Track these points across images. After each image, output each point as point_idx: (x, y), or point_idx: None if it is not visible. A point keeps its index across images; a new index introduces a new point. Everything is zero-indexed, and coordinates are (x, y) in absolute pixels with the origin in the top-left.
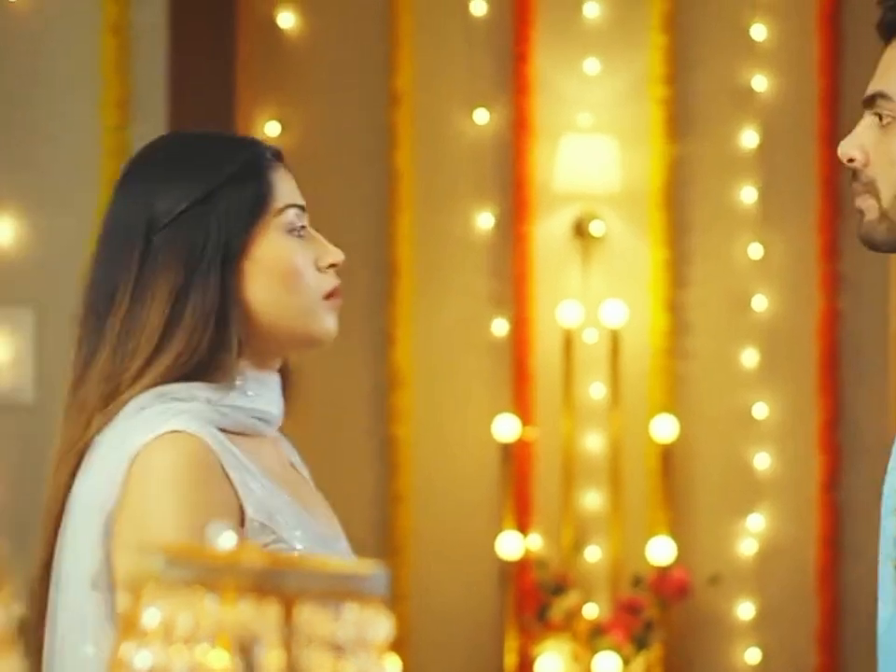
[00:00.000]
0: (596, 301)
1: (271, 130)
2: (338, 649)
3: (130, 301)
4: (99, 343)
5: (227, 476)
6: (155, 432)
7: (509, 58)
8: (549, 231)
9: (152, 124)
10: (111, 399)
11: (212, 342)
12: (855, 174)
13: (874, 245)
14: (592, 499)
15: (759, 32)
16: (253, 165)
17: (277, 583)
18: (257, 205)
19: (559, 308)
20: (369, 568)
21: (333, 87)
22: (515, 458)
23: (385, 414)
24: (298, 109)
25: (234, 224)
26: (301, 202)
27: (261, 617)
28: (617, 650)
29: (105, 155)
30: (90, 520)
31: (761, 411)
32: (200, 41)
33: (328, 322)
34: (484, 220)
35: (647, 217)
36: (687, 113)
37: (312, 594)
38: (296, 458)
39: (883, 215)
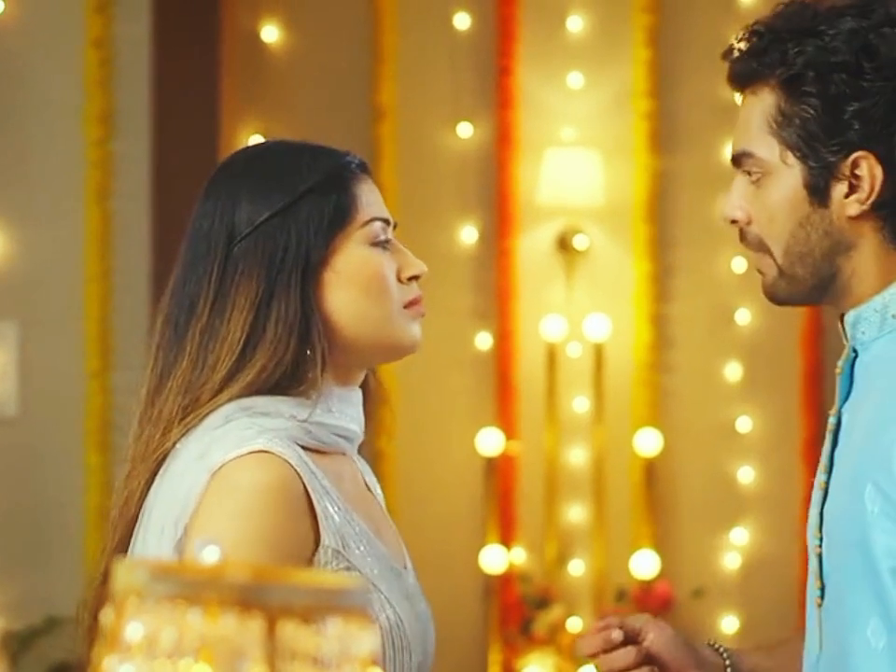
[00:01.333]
0: (580, 314)
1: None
2: (322, 663)
3: (210, 311)
4: (178, 354)
5: (308, 500)
6: (240, 449)
7: (492, 72)
8: (532, 244)
9: (136, 138)
10: (190, 411)
11: (295, 354)
12: (742, 234)
13: (780, 302)
14: (576, 513)
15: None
16: (337, 176)
17: (261, 598)
18: (339, 216)
19: (543, 322)
20: (352, 583)
21: (317, 101)
22: (499, 472)
23: (369, 428)
24: (281, 123)
25: (315, 234)
26: (387, 215)
27: (245, 631)
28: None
29: (90, 168)
30: (164, 530)
31: (744, 424)
32: (183, 55)
33: (412, 330)
34: (468, 234)
35: (630, 231)
36: (671, 127)
37: (296, 608)
38: (370, 478)
39: (781, 272)
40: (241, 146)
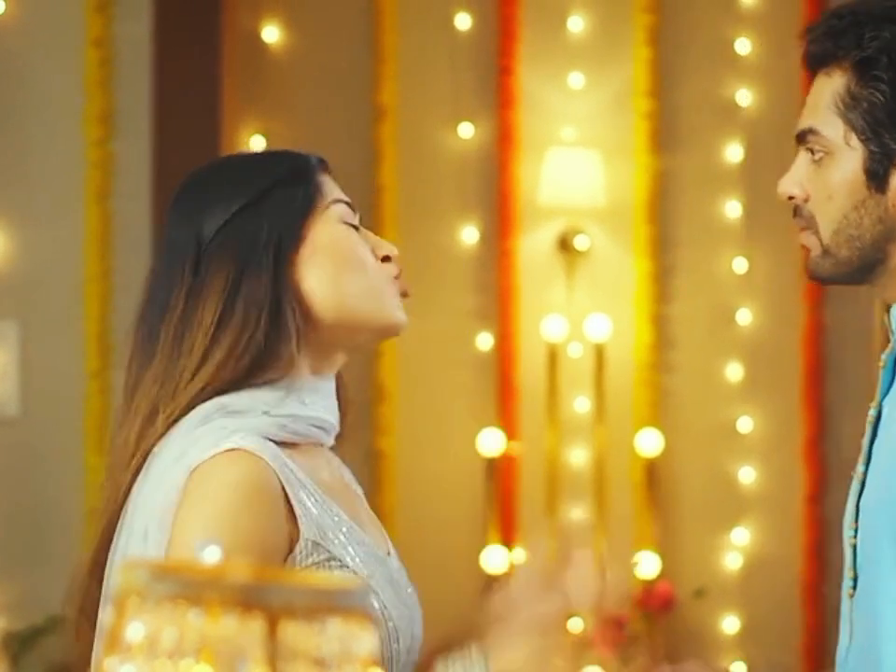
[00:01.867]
0: (581, 315)
1: (255, 144)
2: (322, 663)
3: (183, 305)
4: (154, 349)
5: (285, 494)
6: (215, 448)
7: (493, 72)
8: (533, 245)
9: (136, 138)
10: (169, 400)
11: (267, 333)
12: (796, 210)
13: (821, 281)
14: (577, 513)
15: (743, 46)
16: (300, 171)
17: (262, 598)
18: (307, 202)
19: (544, 322)
20: (353, 583)
21: (318, 101)
22: (500, 472)
23: (370, 428)
24: (282, 123)
25: (285, 220)
26: (349, 200)
27: (246, 632)
28: (602, 664)
29: (90, 168)
30: (148, 534)
31: (745, 425)
32: (184, 55)
33: (397, 307)
34: (469, 235)
35: (631, 232)
36: (671, 127)
37: (296, 608)
38: (347, 474)
39: (825, 251)
40: (242, 146)
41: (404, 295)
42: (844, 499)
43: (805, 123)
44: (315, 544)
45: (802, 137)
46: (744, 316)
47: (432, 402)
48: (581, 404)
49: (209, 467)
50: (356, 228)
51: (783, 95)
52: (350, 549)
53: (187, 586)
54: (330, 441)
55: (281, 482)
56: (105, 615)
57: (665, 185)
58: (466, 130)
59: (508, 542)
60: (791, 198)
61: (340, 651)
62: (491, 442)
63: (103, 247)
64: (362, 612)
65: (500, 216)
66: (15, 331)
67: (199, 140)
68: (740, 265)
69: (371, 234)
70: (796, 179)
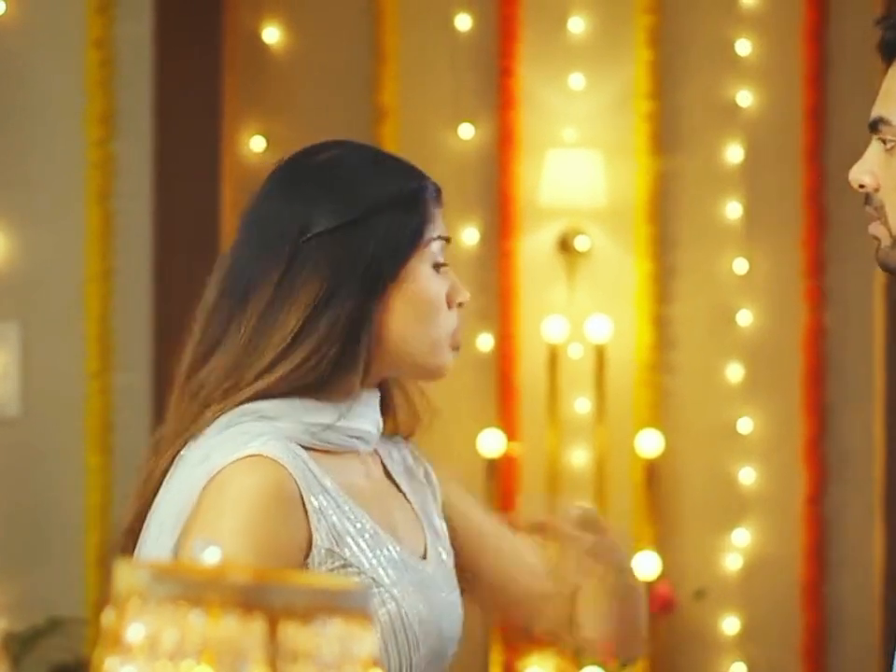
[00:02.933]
0: (582, 316)
1: (256, 145)
2: (323, 664)
3: (270, 299)
4: (228, 334)
5: (301, 501)
6: (236, 453)
7: (494, 73)
8: (534, 245)
9: (137, 138)
10: (229, 394)
11: (338, 360)
12: (867, 199)
13: (890, 271)
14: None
15: (744, 47)
16: (416, 196)
17: (262, 599)
18: (414, 237)
19: (544, 323)
20: (353, 584)
21: (318, 102)
22: (500, 473)
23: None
24: (283, 124)
25: (391, 249)
26: (447, 234)
27: (246, 633)
28: (602, 665)
29: (90, 169)
30: (163, 531)
31: (746, 425)
32: (185, 56)
33: (448, 361)
34: (470, 235)
35: (632, 232)
36: (672, 128)
37: (297, 609)
38: (398, 467)
39: (895, 241)
40: (242, 146)
41: (456, 349)
42: (844, 500)
43: (876, 112)
44: (330, 552)
45: (874, 126)
46: (744, 317)
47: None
48: (582, 405)
49: (228, 473)
50: (444, 265)
51: (784, 96)
52: (370, 555)
53: (187, 587)
54: (370, 449)
55: (299, 488)
56: (106, 615)
57: (665, 185)
58: (466, 130)
59: None
60: (861, 186)
61: (340, 652)
62: (491, 443)
63: (103, 248)
64: (363, 613)
65: (501, 216)
66: (16, 332)
67: (199, 141)
68: (741, 266)
69: (452, 276)
70: (867, 168)
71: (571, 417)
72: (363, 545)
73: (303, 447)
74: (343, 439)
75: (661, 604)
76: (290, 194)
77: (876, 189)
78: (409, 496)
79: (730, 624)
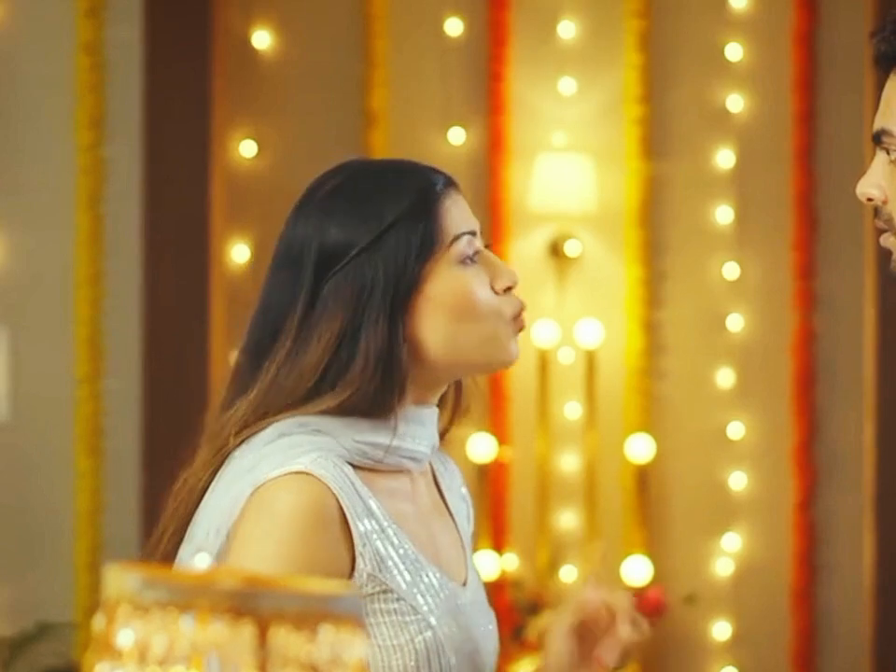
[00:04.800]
0: (572, 320)
1: (246, 149)
2: (313, 670)
3: (294, 337)
4: (256, 377)
5: (346, 523)
6: (283, 468)
7: (484, 77)
8: (524, 250)
9: (127, 143)
10: (252, 422)
11: (379, 384)
12: (876, 212)
13: None
14: (567, 519)
15: (734, 52)
16: (423, 202)
17: (252, 604)
18: (427, 245)
19: (534, 328)
20: (344, 589)
21: (309, 107)
22: (491, 478)
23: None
24: (273, 129)
25: (404, 265)
26: (473, 226)
27: (236, 638)
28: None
29: (80, 173)
30: (209, 536)
31: (736, 430)
32: (175, 60)
33: (511, 346)
34: None
35: (622, 237)
36: (662, 133)
37: (287, 615)
38: (445, 483)
39: None
40: (232, 151)
41: (520, 330)
42: (834, 505)
43: (879, 124)
44: (371, 576)
45: (877, 138)
46: (735, 322)
47: None
48: (572, 410)
49: (272, 488)
50: (476, 255)
51: (774, 101)
52: (410, 581)
53: (177, 592)
54: (421, 469)
55: (344, 511)
56: (96, 620)
57: (656, 190)
58: (456, 135)
59: (498, 548)
60: (869, 199)
61: (330, 658)
62: (482, 448)
63: (94, 252)
64: (353, 619)
65: (491, 221)
66: (5, 336)
67: (190, 144)
68: (731, 271)
69: (493, 260)
70: (874, 181)
71: (562, 422)
72: (404, 571)
73: (353, 465)
74: (396, 459)
75: (651, 609)
76: (300, 230)
77: (885, 202)
78: (455, 515)
79: (720, 629)
